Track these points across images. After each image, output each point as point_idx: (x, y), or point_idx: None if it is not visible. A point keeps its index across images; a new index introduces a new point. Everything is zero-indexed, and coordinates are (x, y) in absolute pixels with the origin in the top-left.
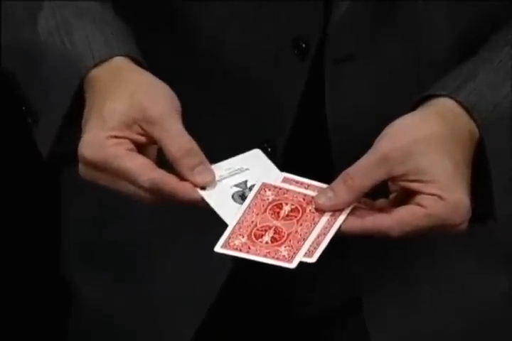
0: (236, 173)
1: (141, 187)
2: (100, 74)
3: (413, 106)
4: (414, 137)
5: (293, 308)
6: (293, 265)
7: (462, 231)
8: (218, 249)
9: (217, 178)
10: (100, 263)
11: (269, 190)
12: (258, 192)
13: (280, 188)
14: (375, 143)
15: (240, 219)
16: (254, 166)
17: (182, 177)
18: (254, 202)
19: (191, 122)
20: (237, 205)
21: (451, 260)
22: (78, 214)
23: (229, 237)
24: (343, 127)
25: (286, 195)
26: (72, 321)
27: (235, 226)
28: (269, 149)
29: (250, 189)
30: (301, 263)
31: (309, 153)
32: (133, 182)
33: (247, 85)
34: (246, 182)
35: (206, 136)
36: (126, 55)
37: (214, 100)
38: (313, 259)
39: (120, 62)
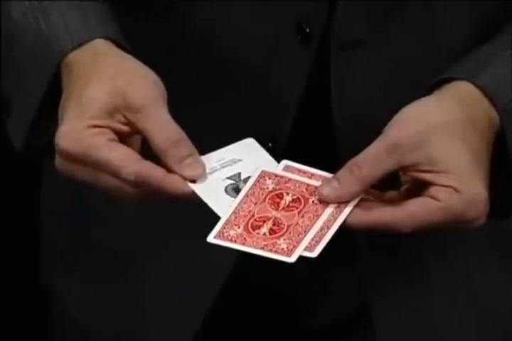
0: (228, 165)
1: (124, 180)
2: (79, 58)
3: (427, 91)
4: (427, 123)
5: (299, 317)
6: (292, 259)
7: (478, 227)
8: (211, 239)
9: (207, 171)
10: (85, 271)
11: (269, 178)
12: (257, 180)
13: (281, 177)
14: (385, 130)
15: (236, 208)
16: (248, 157)
17: (170, 170)
18: (253, 191)
19: (184, 114)
20: (231, 199)
21: (467, 264)
22: (60, 216)
23: (223, 227)
24: (350, 119)
25: (287, 184)
26: (56, 335)
27: (230, 215)
28: (270, 144)
29: (245, 181)
30: (306, 269)
31: (313, 147)
32: (116, 175)
33: (245, 74)
34: (239, 174)
35: (201, 129)
36: (108, 38)
37: (209, 90)
38: (314, 254)
39: (101, 45)
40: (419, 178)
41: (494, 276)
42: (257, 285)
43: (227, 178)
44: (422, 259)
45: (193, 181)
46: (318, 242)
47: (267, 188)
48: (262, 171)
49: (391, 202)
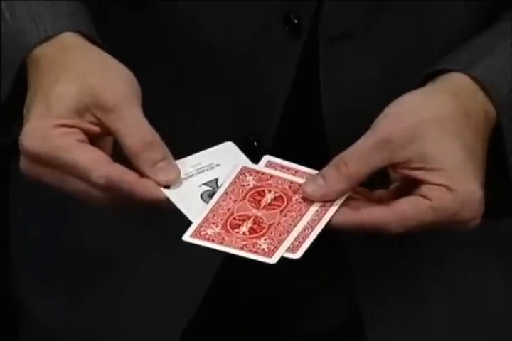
0: (205, 170)
1: (94, 184)
2: (46, 52)
3: (420, 83)
4: (419, 117)
5: (286, 329)
6: (273, 260)
7: (473, 228)
8: (187, 238)
9: (182, 176)
10: (56, 280)
11: (250, 174)
12: (237, 176)
13: (263, 173)
14: (374, 124)
15: (214, 206)
16: (227, 162)
17: (142, 174)
18: (232, 188)
19: (160, 113)
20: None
21: (465, 273)
22: (28, 221)
23: (200, 225)
24: (340, 115)
25: (269, 181)
26: None
27: (208, 213)
28: (255, 143)
29: None
30: (292, 275)
31: (301, 146)
32: (84, 178)
33: (228, 68)
34: (217, 180)
35: (177, 130)
36: (78, 31)
37: (187, 87)
38: (297, 255)
39: (70, 38)
40: (410, 176)
41: (494, 286)
42: (241, 294)
43: (204, 184)
44: (417, 268)
45: (167, 187)
46: (301, 243)
47: (248, 185)
48: (242, 167)
49: (380, 201)
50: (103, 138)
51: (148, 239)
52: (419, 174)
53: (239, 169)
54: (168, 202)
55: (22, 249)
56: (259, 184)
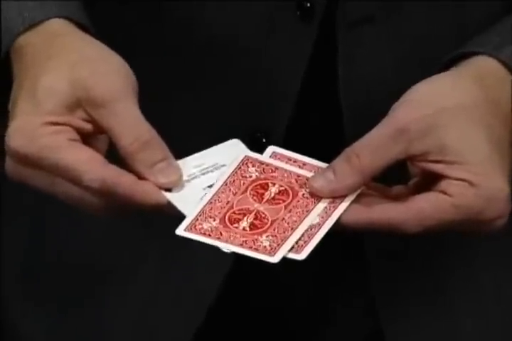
0: (209, 171)
1: (87, 188)
2: (32, 41)
3: (442, 69)
4: (440, 105)
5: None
6: (275, 259)
7: (499, 228)
8: (181, 231)
9: (185, 177)
10: (44, 293)
11: (253, 165)
12: (238, 166)
13: (267, 164)
14: (390, 112)
15: (211, 198)
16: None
17: (140, 176)
18: (233, 179)
19: (158, 108)
20: None
21: (495, 277)
22: (12, 231)
23: (196, 219)
24: (359, 106)
25: (274, 174)
26: None
27: (205, 206)
28: (264, 139)
29: None
30: (303, 285)
31: (316, 141)
32: (76, 181)
33: (234, 57)
34: None
35: (178, 127)
36: (67, 18)
37: (189, 78)
38: (301, 256)
39: (58, 25)
40: (428, 170)
41: None
42: (248, 307)
43: (209, 187)
44: (444, 277)
45: (168, 190)
46: (306, 243)
47: (250, 177)
48: (244, 156)
49: (397, 198)
50: (96, 136)
51: (146, 248)
52: (438, 167)
53: (241, 158)
54: (170, 206)
55: (4, 265)
56: (262, 176)
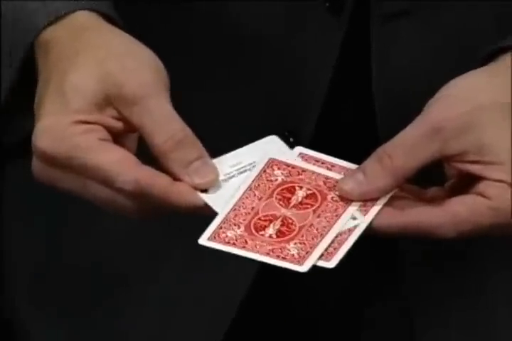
0: (247, 170)
1: (120, 190)
2: (57, 35)
3: (480, 62)
4: (477, 102)
5: None
6: (304, 268)
7: None
8: (204, 241)
9: (221, 177)
10: (58, 300)
11: (279, 168)
12: (263, 170)
13: (293, 167)
14: (425, 109)
15: (235, 204)
16: None
17: (175, 177)
18: (257, 183)
19: (186, 106)
20: None
21: None
22: (24, 231)
23: (219, 227)
24: (394, 107)
25: (301, 177)
26: None
27: (228, 213)
28: (292, 139)
29: None
30: (333, 294)
31: (346, 144)
32: (108, 183)
33: (260, 54)
34: None
35: (206, 125)
36: (94, 10)
37: (216, 73)
38: (331, 264)
39: (85, 18)
40: (465, 171)
41: None
42: (278, 312)
43: None
44: (484, 285)
45: (205, 191)
46: (336, 249)
47: (276, 180)
48: (269, 159)
49: (431, 200)
50: (126, 135)
51: (168, 249)
52: (475, 168)
53: (265, 161)
54: (206, 208)
55: (16, 265)
56: (288, 179)
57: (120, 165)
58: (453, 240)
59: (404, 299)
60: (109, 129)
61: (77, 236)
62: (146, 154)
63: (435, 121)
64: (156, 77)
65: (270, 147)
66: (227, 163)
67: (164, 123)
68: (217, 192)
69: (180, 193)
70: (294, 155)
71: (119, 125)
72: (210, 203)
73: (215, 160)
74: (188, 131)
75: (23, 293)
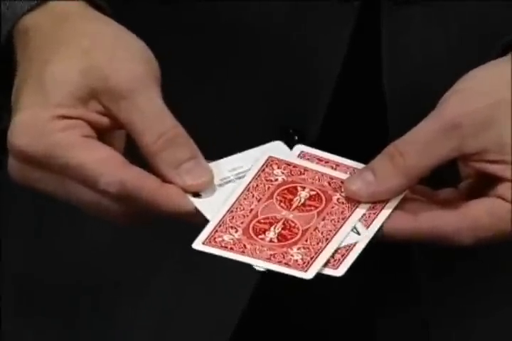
0: (246, 175)
1: (104, 192)
2: (38, 22)
3: (499, 53)
4: (498, 96)
5: None
6: (309, 275)
7: None
8: (198, 245)
9: (217, 182)
10: (44, 311)
11: (279, 167)
12: (262, 169)
13: (295, 166)
14: (441, 103)
15: (232, 205)
16: None
17: (166, 179)
18: (256, 183)
19: (184, 99)
20: None
21: None
22: (12, 242)
23: (215, 230)
24: (406, 101)
25: (303, 176)
26: None
27: (225, 215)
28: (296, 137)
29: None
30: (340, 302)
31: (354, 143)
32: (91, 184)
33: (266, 43)
34: None
35: (205, 121)
36: None
37: (215, 64)
38: (339, 272)
39: (68, 4)
40: (484, 171)
41: None
42: (283, 323)
43: None
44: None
45: (197, 195)
46: (344, 256)
47: (276, 180)
48: (268, 157)
49: (447, 203)
50: (112, 132)
51: (159, 257)
52: (495, 168)
53: (264, 159)
54: (198, 214)
55: (4, 277)
56: (290, 179)
57: (104, 164)
58: (471, 247)
59: (421, 309)
60: (93, 125)
61: (63, 246)
62: (136, 153)
63: (452, 117)
64: (146, 69)
65: (274, 153)
66: (225, 167)
67: (155, 121)
68: (211, 197)
69: (170, 196)
70: (295, 154)
71: (104, 121)
72: (202, 209)
73: (212, 164)
74: (180, 129)
75: (10, 304)
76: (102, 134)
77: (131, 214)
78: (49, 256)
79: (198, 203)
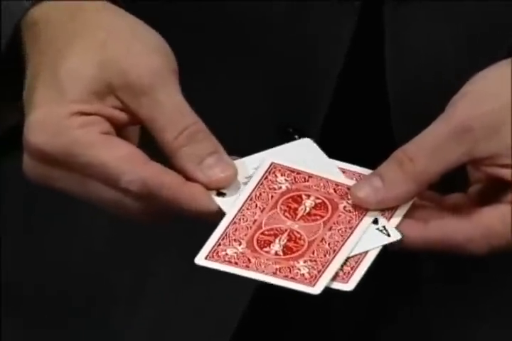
0: None
1: (125, 191)
2: (48, 14)
3: (509, 52)
4: (507, 99)
5: None
6: (317, 290)
7: None
8: (200, 260)
9: (242, 179)
10: (35, 317)
11: (282, 174)
12: (264, 176)
13: (299, 172)
14: (450, 105)
15: (235, 216)
16: None
17: (188, 177)
18: (259, 192)
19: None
20: None
21: None
22: (4, 245)
23: (218, 243)
24: (410, 102)
25: (307, 183)
26: None
27: (227, 227)
28: (296, 136)
29: None
30: (344, 307)
31: (357, 141)
32: (113, 183)
33: (266, 40)
34: None
35: (201, 119)
36: None
37: (213, 64)
38: (349, 286)
39: None
40: (496, 176)
41: None
42: (283, 335)
43: None
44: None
45: (221, 194)
46: (354, 268)
47: (279, 188)
48: (271, 164)
49: (456, 209)
50: (128, 128)
51: (155, 261)
52: (508, 173)
53: (267, 166)
54: (221, 214)
55: None
56: (294, 187)
57: (126, 162)
58: (484, 256)
59: (425, 321)
60: (111, 121)
61: (57, 249)
62: (153, 147)
63: (462, 120)
64: (164, 62)
65: (302, 150)
66: (250, 164)
67: (176, 117)
68: (235, 196)
69: (193, 195)
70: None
71: (122, 116)
72: (225, 209)
73: (237, 162)
74: (201, 124)
75: None
76: (120, 130)
77: (152, 212)
78: (39, 258)
79: (221, 202)
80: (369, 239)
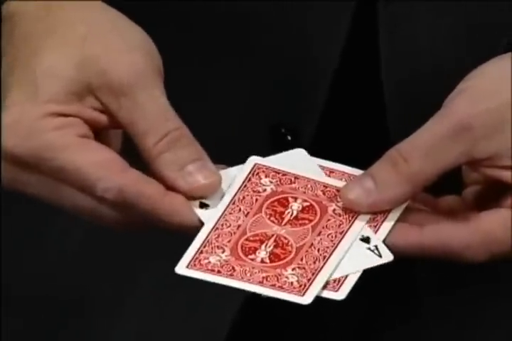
0: None
1: (101, 199)
2: (25, 7)
3: (508, 48)
4: (507, 96)
5: None
6: (306, 299)
7: None
8: (181, 269)
9: (227, 189)
10: (36, 317)
11: (267, 175)
12: (248, 178)
13: (284, 173)
14: (447, 102)
15: (217, 222)
16: None
17: (169, 186)
18: (242, 195)
19: (173, 95)
20: None
21: None
22: None
23: (200, 251)
24: (407, 100)
25: (294, 185)
26: None
27: (209, 233)
28: (289, 137)
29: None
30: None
31: (352, 142)
32: (88, 190)
33: (257, 38)
34: None
35: (191, 119)
36: None
37: (204, 62)
38: (340, 295)
39: None
40: (496, 178)
41: None
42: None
43: None
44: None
45: (204, 206)
46: (345, 276)
47: (264, 191)
48: (254, 165)
49: (453, 214)
50: (109, 131)
51: (134, 273)
52: (508, 175)
53: (250, 167)
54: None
55: None
56: (279, 189)
57: (102, 168)
58: (483, 263)
59: (425, 328)
60: (89, 123)
61: (36, 251)
62: (136, 154)
63: (460, 118)
64: (148, 60)
65: (293, 160)
66: (235, 174)
67: (157, 121)
68: (218, 206)
69: (173, 207)
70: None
71: (102, 119)
72: (207, 222)
73: (223, 172)
74: (185, 129)
75: None
76: (98, 133)
77: (129, 222)
78: (12, 266)
79: (202, 215)
80: (359, 259)
